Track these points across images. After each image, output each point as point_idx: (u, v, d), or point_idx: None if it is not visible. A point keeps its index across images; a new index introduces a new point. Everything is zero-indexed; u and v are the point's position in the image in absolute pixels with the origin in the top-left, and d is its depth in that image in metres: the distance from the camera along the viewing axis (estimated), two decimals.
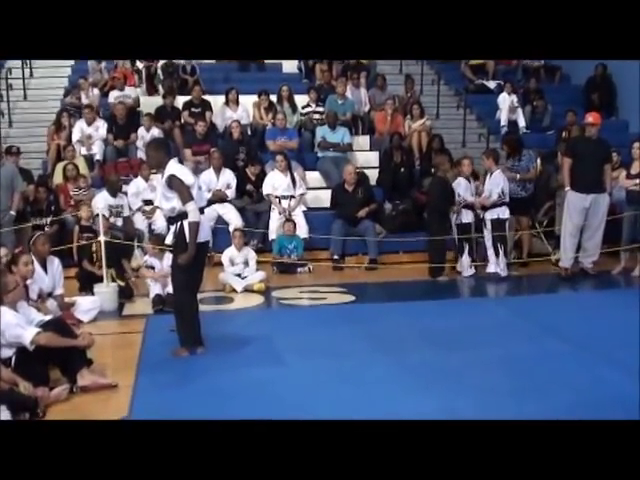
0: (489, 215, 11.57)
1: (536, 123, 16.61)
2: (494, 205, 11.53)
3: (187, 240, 7.51)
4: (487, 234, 11.63)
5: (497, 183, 11.53)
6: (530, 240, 12.67)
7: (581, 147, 11.40)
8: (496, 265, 11.55)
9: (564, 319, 9.05)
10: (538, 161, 13.17)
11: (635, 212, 11.44)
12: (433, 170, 12.46)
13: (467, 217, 11.72)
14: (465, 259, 11.72)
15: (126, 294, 10.25)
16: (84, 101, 15.21)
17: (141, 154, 13.97)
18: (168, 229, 8.03)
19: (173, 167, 7.68)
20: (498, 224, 11.53)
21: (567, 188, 11.25)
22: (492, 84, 17.91)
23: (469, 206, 11.69)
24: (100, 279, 10.14)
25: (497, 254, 11.50)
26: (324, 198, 13.53)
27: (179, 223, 7.60)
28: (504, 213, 11.58)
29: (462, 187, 11.72)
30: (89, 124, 14.31)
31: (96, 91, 15.62)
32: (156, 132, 14.33)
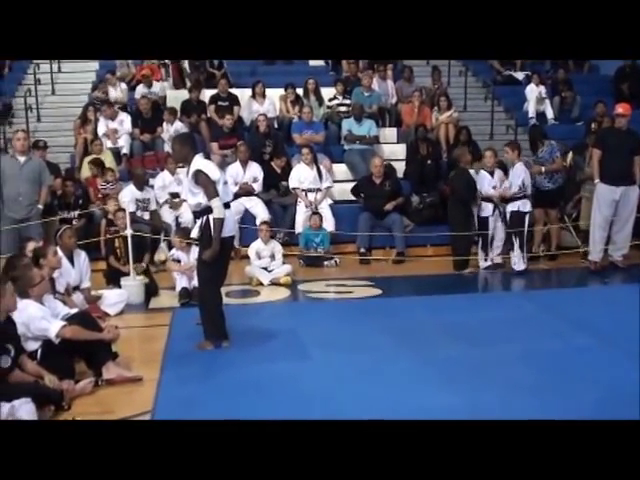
0: (510, 207, 11.45)
1: (565, 114, 16.48)
2: (515, 197, 11.41)
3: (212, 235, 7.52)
4: (504, 227, 11.55)
5: (518, 175, 11.41)
6: (559, 233, 12.54)
7: (610, 138, 11.29)
8: (513, 259, 11.44)
9: (593, 313, 8.97)
10: (570, 154, 13.08)
11: None
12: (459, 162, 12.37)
13: (486, 211, 11.57)
14: (479, 252, 11.65)
15: (151, 290, 10.25)
16: (111, 95, 15.26)
17: (167, 147, 14.02)
18: (194, 223, 8.03)
19: (199, 162, 7.67)
20: (517, 217, 11.38)
21: (596, 180, 11.15)
22: (520, 75, 17.79)
23: (489, 199, 11.58)
24: (127, 274, 10.17)
25: (513, 248, 11.36)
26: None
27: (205, 218, 7.60)
28: (525, 206, 11.44)
29: (481, 179, 11.63)
30: (112, 119, 14.32)
31: (124, 85, 15.66)
32: (179, 126, 14.38)
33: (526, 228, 11.47)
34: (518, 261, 11.37)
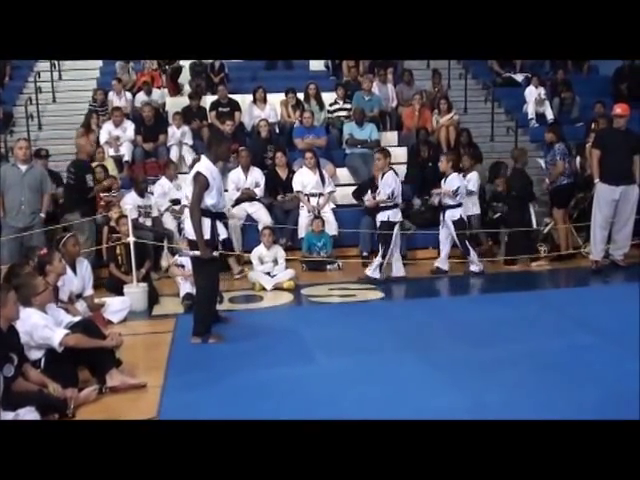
0: (380, 217, 11.22)
1: (565, 115, 16.49)
2: (385, 207, 11.17)
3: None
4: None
5: (389, 184, 11.13)
6: (567, 233, 12.55)
7: (609, 139, 11.31)
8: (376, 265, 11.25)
9: (594, 312, 8.99)
10: (578, 158, 13.16)
11: None
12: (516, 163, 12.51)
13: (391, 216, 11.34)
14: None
15: (152, 298, 10.22)
16: (115, 103, 15.33)
17: (172, 154, 14.13)
18: None
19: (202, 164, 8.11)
20: (387, 226, 11.13)
21: (596, 180, 11.17)
22: (519, 77, 17.83)
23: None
24: (126, 283, 10.20)
25: (384, 255, 11.12)
26: None
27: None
28: (395, 215, 11.20)
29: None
30: (117, 126, 14.41)
31: (129, 95, 15.74)
32: (186, 129, 14.57)
33: (394, 237, 11.19)
34: (375, 269, 11.18)
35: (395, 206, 11.23)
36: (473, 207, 12.66)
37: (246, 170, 13.14)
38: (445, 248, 11.64)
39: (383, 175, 11.34)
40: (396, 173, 12.49)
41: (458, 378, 6.82)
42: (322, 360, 7.58)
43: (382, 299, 10.35)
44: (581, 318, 8.71)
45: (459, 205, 11.48)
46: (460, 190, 11.47)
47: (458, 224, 11.40)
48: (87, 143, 11.82)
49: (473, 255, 11.46)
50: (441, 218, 11.63)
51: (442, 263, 11.66)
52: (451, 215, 11.45)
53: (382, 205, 11.21)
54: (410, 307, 9.93)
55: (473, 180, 12.72)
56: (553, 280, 11.84)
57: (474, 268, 11.49)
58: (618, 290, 10.77)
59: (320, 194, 13.02)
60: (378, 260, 11.17)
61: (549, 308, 9.28)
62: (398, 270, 11.40)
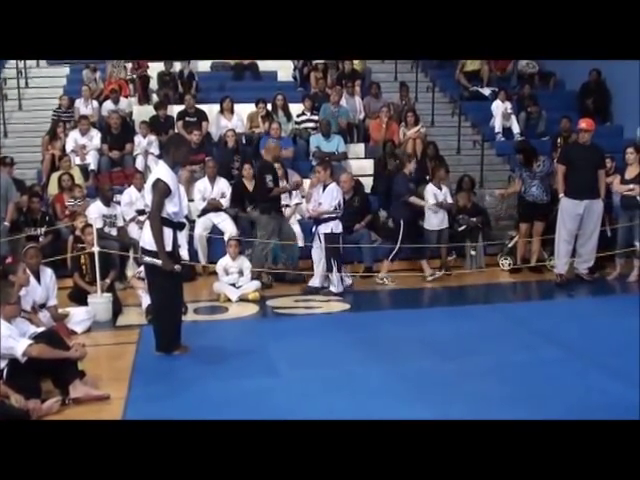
0: (322, 229, 11.20)
1: (531, 129, 16.60)
2: (328, 219, 11.20)
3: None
4: (318, 248, 11.37)
5: (334, 196, 11.19)
6: (539, 245, 12.60)
7: (574, 153, 11.40)
8: (324, 279, 11.32)
9: (559, 326, 9.04)
10: None
11: (630, 217, 11.47)
12: None
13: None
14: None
15: (115, 308, 10.15)
16: (82, 111, 15.25)
17: (138, 163, 14.06)
18: None
19: (161, 170, 7.89)
20: (332, 238, 11.15)
21: (561, 195, 11.25)
22: (487, 91, 17.89)
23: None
24: (90, 293, 10.12)
25: (330, 269, 11.18)
26: None
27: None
28: (337, 227, 11.22)
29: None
30: (83, 134, 14.33)
31: (95, 103, 15.66)
32: (153, 138, 14.49)
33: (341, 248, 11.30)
34: (337, 283, 11.17)
35: (337, 218, 11.22)
36: (444, 220, 12.65)
37: (212, 180, 13.10)
38: (320, 265, 11.41)
39: (325, 187, 11.36)
40: (360, 184, 12.57)
41: (424, 390, 6.85)
42: (286, 372, 7.58)
43: (348, 311, 10.35)
44: (546, 331, 8.76)
45: (335, 218, 11.31)
46: (341, 202, 11.41)
47: (329, 238, 11.18)
48: (274, 148, 12.23)
49: (335, 274, 11.17)
50: (315, 232, 11.43)
51: (315, 280, 11.45)
52: (324, 228, 11.25)
53: (324, 217, 11.22)
54: (376, 319, 9.91)
55: (447, 193, 12.74)
56: (518, 293, 11.91)
57: (333, 288, 11.20)
58: (582, 304, 10.86)
59: (286, 205, 12.99)
60: (335, 275, 11.13)
61: (514, 321, 9.33)
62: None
